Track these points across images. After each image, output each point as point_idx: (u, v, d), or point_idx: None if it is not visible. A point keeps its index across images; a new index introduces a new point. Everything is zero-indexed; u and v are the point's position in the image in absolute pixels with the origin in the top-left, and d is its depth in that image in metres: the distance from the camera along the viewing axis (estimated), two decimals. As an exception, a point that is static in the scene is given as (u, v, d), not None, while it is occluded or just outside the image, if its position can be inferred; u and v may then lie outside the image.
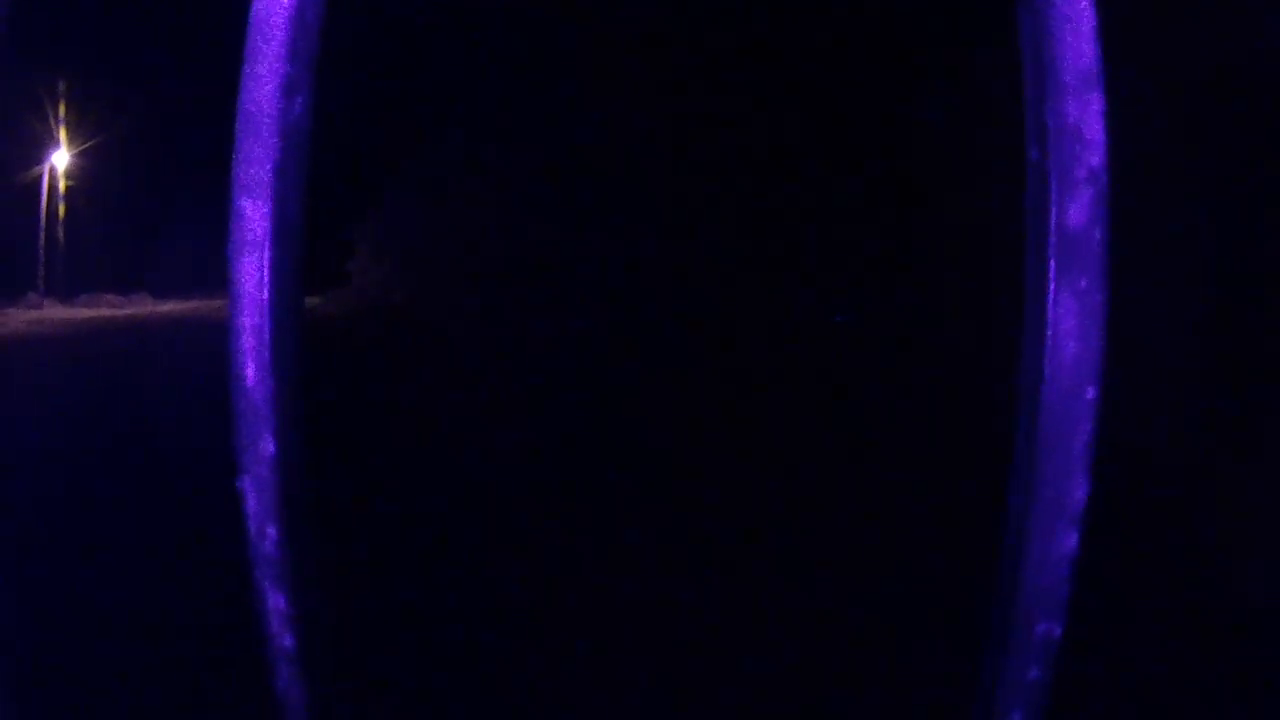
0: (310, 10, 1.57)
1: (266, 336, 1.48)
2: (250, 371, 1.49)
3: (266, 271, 1.49)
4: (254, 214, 1.50)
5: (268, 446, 1.51)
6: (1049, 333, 1.18)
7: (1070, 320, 1.19)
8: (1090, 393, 1.20)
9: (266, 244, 1.49)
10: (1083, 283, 1.19)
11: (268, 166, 1.49)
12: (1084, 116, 1.23)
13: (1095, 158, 1.22)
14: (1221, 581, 1.40)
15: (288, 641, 1.65)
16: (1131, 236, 1.27)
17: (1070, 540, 1.26)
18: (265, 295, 1.49)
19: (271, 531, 1.56)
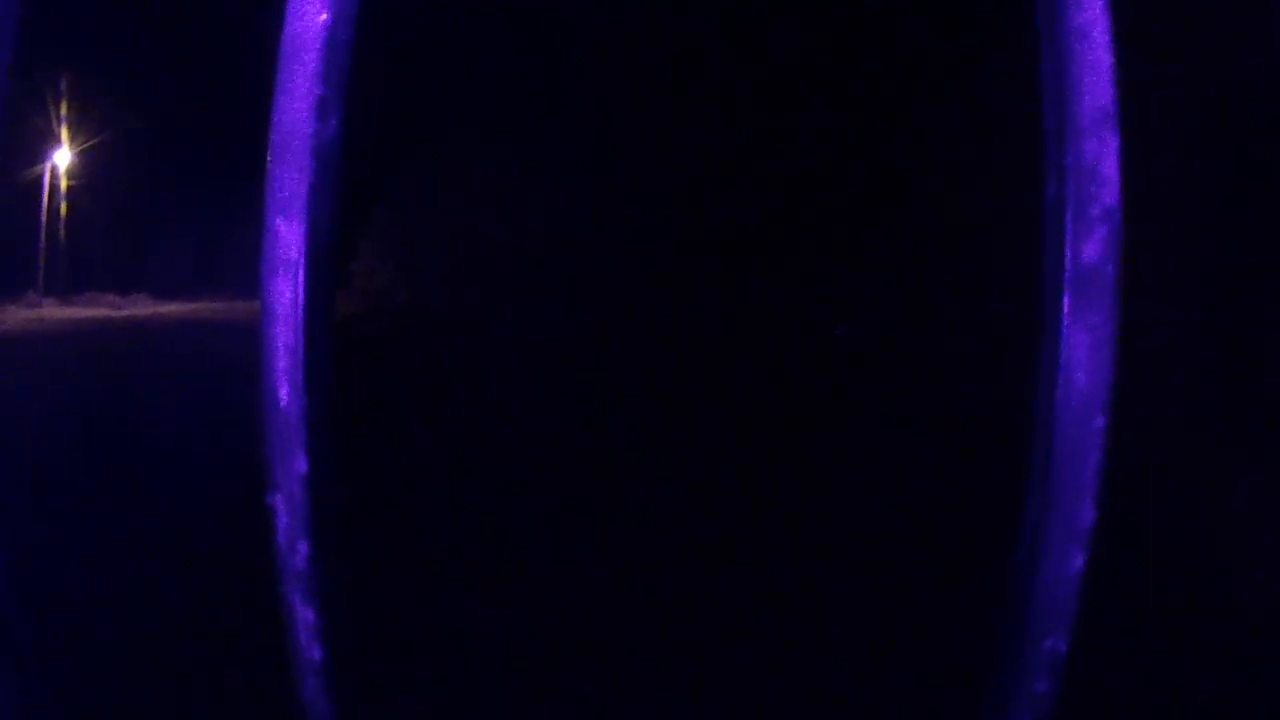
0: (342, 31, 1.61)
1: (300, 356, 1.52)
2: (284, 391, 1.53)
3: (301, 291, 1.53)
4: (288, 234, 1.54)
5: (300, 464, 1.55)
6: (1062, 364, 1.23)
7: (1082, 352, 1.24)
8: (1099, 422, 1.24)
9: (301, 264, 1.53)
10: (1095, 317, 1.24)
11: (303, 187, 1.53)
12: (1101, 155, 1.28)
13: (1110, 196, 1.26)
14: (1223, 600, 1.45)
15: (316, 654, 1.69)
16: (1146, 269, 1.32)
17: (1078, 561, 1.31)
18: (299, 314, 1.53)
19: (302, 547, 1.60)
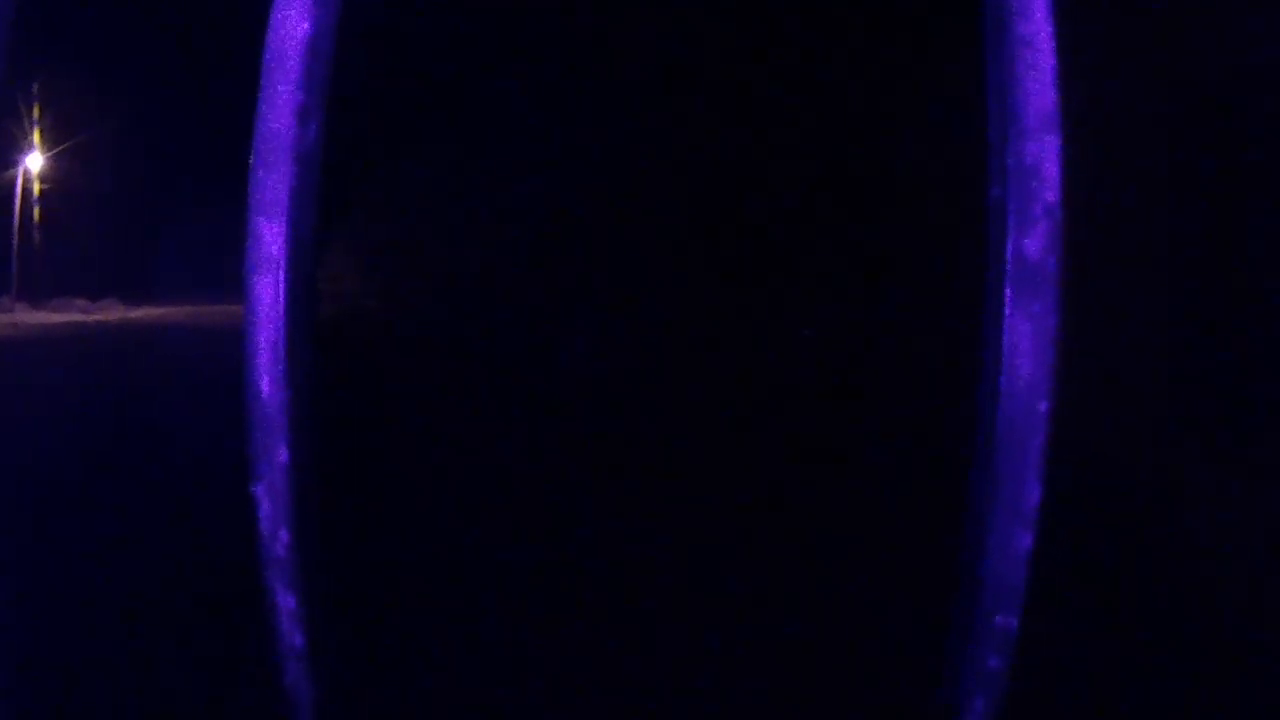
0: (323, 41, 1.68)
1: (282, 350, 1.58)
2: (265, 384, 1.59)
3: (282, 289, 1.60)
4: (270, 234, 1.60)
5: (281, 455, 1.61)
6: (1005, 352, 1.30)
7: (1025, 341, 1.31)
8: (1043, 406, 1.32)
9: (282, 263, 1.60)
10: (1037, 307, 1.31)
11: (284, 189, 1.60)
12: (1042, 156, 1.36)
13: (1051, 194, 1.34)
14: (1177, 578, 1.52)
15: (298, 640, 1.74)
16: (1093, 263, 1.39)
17: (1025, 540, 1.38)
18: (280, 311, 1.59)
19: (284, 535, 1.65)
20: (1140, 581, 1.58)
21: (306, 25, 1.73)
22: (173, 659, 1.93)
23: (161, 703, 1.89)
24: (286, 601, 1.67)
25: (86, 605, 1.99)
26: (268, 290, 1.61)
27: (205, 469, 2.01)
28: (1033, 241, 1.32)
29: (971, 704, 1.45)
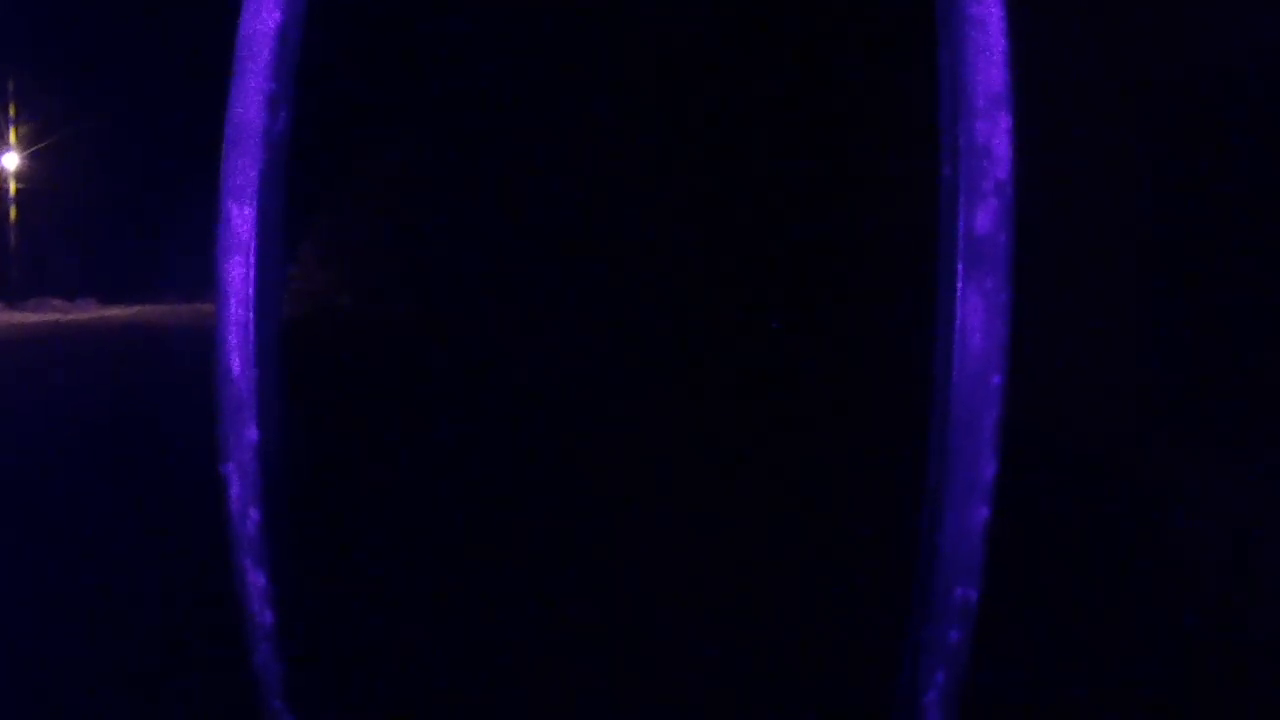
0: (292, 30, 1.70)
1: (251, 331, 1.61)
2: (236, 364, 1.61)
3: (252, 271, 1.62)
4: (240, 218, 1.63)
5: (251, 434, 1.63)
6: (958, 326, 1.33)
7: (978, 316, 1.34)
8: (996, 380, 1.35)
9: (252, 246, 1.62)
10: (989, 282, 1.34)
11: (254, 174, 1.62)
12: (992, 135, 1.39)
13: (1002, 171, 1.37)
14: (1131, 546, 1.55)
15: (268, 618, 1.76)
16: (1043, 238, 1.42)
17: (982, 512, 1.40)
18: (250, 292, 1.61)
19: (254, 514, 1.67)
20: (1098, 553, 1.62)
21: (279, 15, 1.75)
22: (144, 641, 1.94)
23: (133, 681, 1.91)
24: (257, 580, 1.69)
25: (55, 591, 2.00)
26: (238, 272, 1.63)
27: (178, 456, 2.03)
28: (984, 218, 1.35)
29: (933, 677, 1.47)
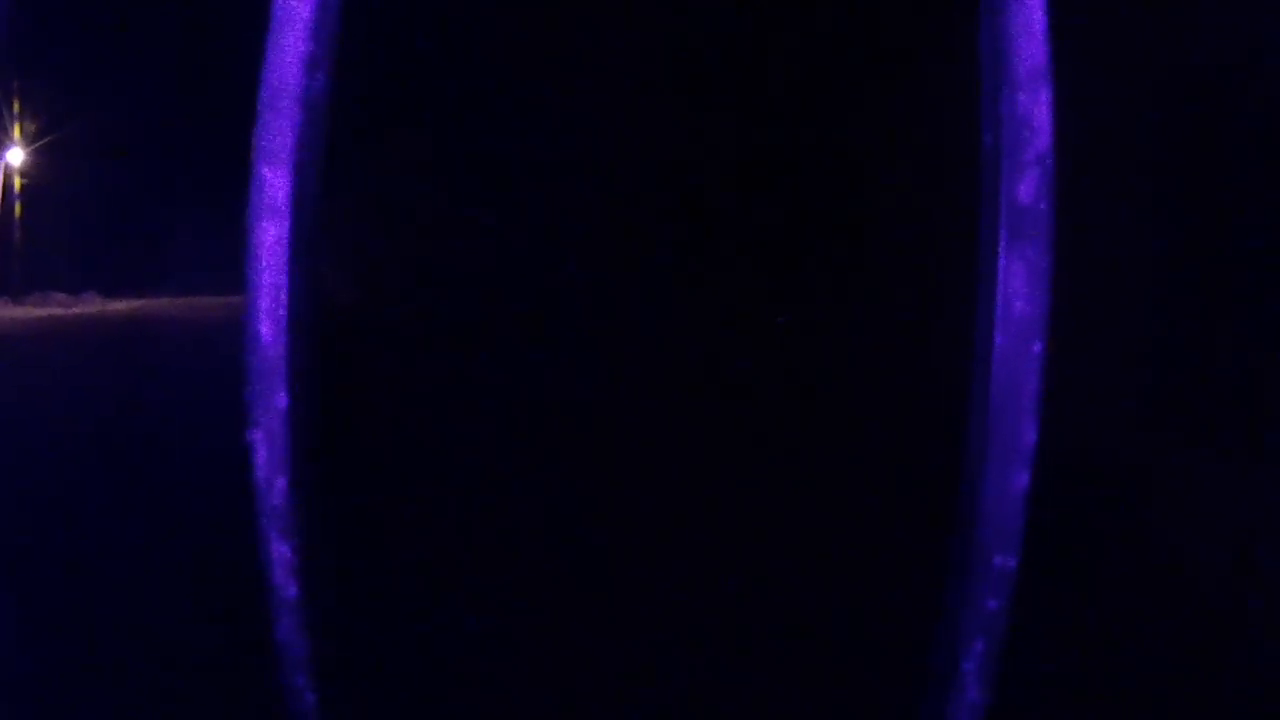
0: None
1: (284, 296, 1.60)
2: (266, 329, 1.60)
3: (286, 235, 1.61)
4: (275, 181, 1.62)
5: (280, 400, 1.62)
6: (1000, 294, 1.33)
7: (1019, 283, 1.34)
8: (1037, 347, 1.35)
9: (287, 210, 1.61)
10: (1030, 251, 1.35)
11: (290, 137, 1.61)
12: (1033, 107, 1.39)
13: (1042, 142, 1.38)
14: (1166, 514, 1.55)
15: (291, 591, 1.75)
16: (1090, 209, 1.42)
17: (1022, 479, 1.40)
18: (284, 257, 1.60)
19: (280, 483, 1.66)
20: (1134, 525, 1.61)
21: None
22: (167, 618, 1.93)
23: (154, 656, 1.90)
24: (281, 551, 1.68)
25: (76, 576, 2.00)
26: (271, 236, 1.63)
27: (190, 444, 2.02)
28: (1025, 187, 1.35)
29: (971, 646, 1.47)
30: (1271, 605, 1.62)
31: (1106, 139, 1.50)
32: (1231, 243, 1.55)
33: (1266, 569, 1.61)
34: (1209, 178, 1.57)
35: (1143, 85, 1.57)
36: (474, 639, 1.78)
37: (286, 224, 1.62)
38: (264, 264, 1.62)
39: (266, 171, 1.63)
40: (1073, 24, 1.44)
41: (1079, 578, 1.54)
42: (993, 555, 1.39)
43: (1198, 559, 1.63)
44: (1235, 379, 1.58)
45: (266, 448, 1.66)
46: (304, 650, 1.75)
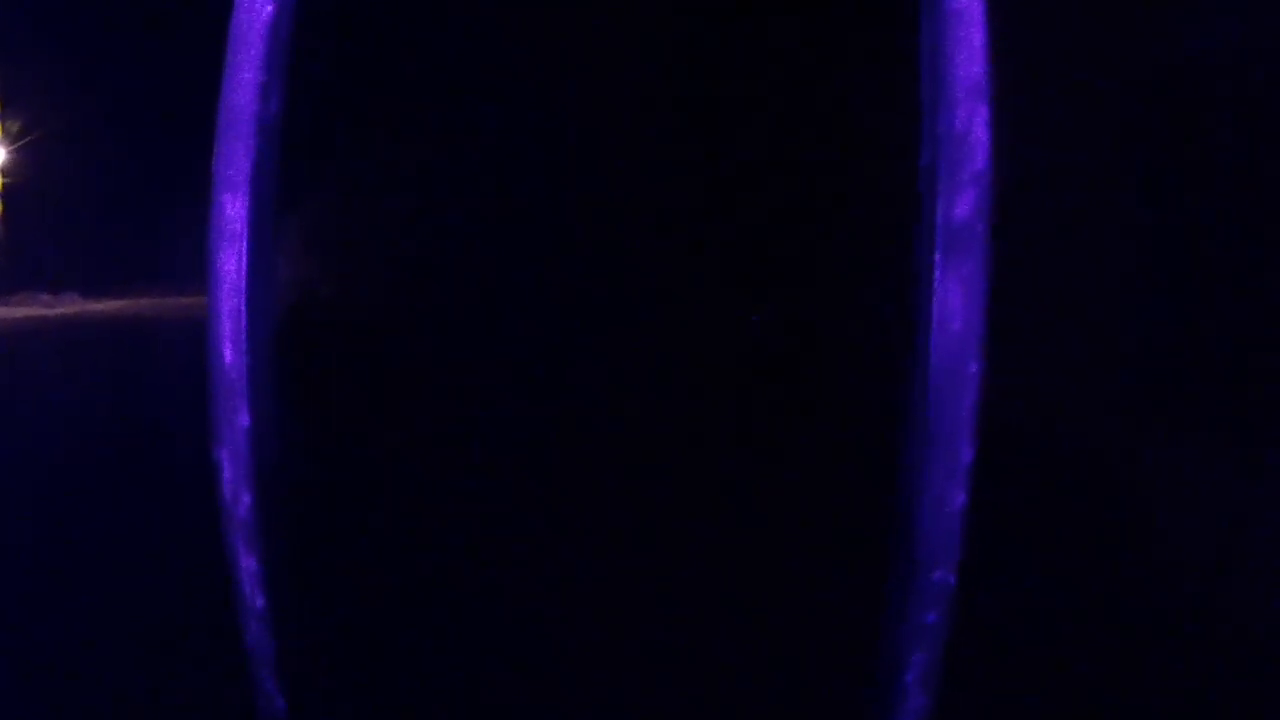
0: (284, 23, 1.72)
1: (243, 320, 1.63)
2: (228, 352, 1.64)
3: (244, 260, 1.64)
4: (233, 208, 1.65)
5: (243, 419, 1.66)
6: (936, 313, 1.36)
7: (956, 301, 1.37)
8: (973, 366, 1.38)
9: (244, 236, 1.64)
10: (966, 269, 1.37)
11: (246, 165, 1.64)
12: (971, 123, 1.42)
13: (980, 160, 1.40)
14: (1108, 531, 1.57)
15: (259, 601, 1.78)
16: (1026, 226, 1.45)
17: (959, 497, 1.43)
18: (243, 282, 1.64)
19: (246, 497, 1.70)
20: (1076, 537, 1.64)
21: (270, 7, 1.77)
22: (136, 625, 1.96)
23: (124, 666, 1.93)
24: (248, 563, 1.72)
25: (45, 577, 2.02)
26: (230, 261, 1.65)
27: (167, 445, 2.05)
28: (962, 206, 1.38)
29: (910, 659, 1.50)
30: (1239, 608, 1.65)
31: (1046, 150, 1.53)
32: (1206, 240, 1.58)
33: (1237, 572, 1.64)
34: (1182, 172, 1.59)
35: (1089, 98, 1.60)
36: (442, 647, 1.81)
37: (244, 248, 1.65)
38: (224, 288, 1.65)
39: (225, 199, 1.65)
40: (1018, 38, 1.47)
41: (1046, 576, 1.57)
42: (931, 570, 1.42)
43: (1166, 557, 1.66)
44: (1207, 383, 1.61)
45: (231, 465, 1.70)
46: (272, 656, 1.79)
